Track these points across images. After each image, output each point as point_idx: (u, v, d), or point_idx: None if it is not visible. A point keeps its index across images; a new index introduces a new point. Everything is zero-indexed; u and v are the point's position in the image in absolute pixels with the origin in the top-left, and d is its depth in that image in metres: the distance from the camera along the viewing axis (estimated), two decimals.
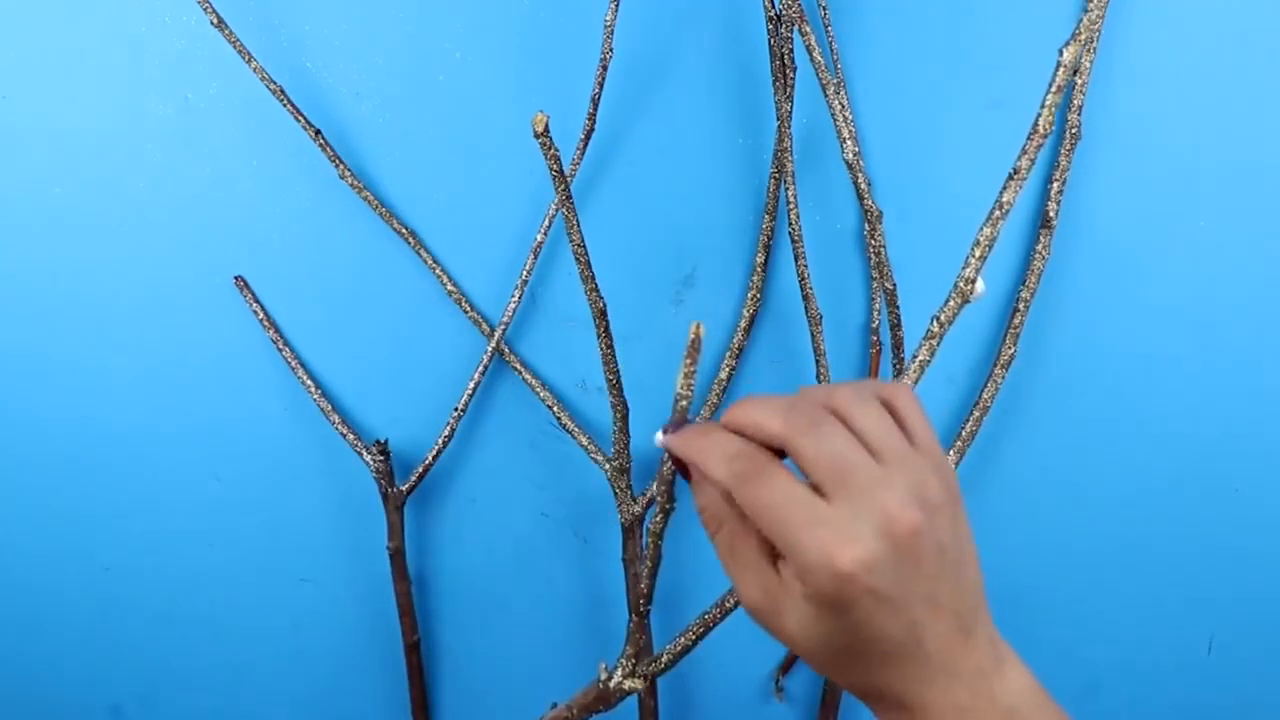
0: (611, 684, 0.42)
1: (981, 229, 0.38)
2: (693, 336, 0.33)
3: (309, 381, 0.68)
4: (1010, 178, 0.37)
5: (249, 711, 0.76)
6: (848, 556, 0.31)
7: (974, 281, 0.38)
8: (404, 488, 0.69)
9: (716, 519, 0.36)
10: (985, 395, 0.68)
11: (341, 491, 0.72)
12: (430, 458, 0.68)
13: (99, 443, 0.70)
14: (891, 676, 0.34)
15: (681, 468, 0.38)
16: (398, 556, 0.70)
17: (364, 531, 0.72)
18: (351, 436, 0.68)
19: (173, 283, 0.68)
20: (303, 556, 0.73)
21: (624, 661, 0.43)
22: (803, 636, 0.33)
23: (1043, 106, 0.37)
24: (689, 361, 0.35)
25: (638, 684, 0.42)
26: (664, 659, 0.42)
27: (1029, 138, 0.38)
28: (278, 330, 0.68)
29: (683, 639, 0.42)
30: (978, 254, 0.37)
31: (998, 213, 0.36)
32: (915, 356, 0.41)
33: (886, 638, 0.32)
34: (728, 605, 0.41)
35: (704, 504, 0.36)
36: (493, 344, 0.67)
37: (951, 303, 0.35)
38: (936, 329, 0.36)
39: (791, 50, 0.62)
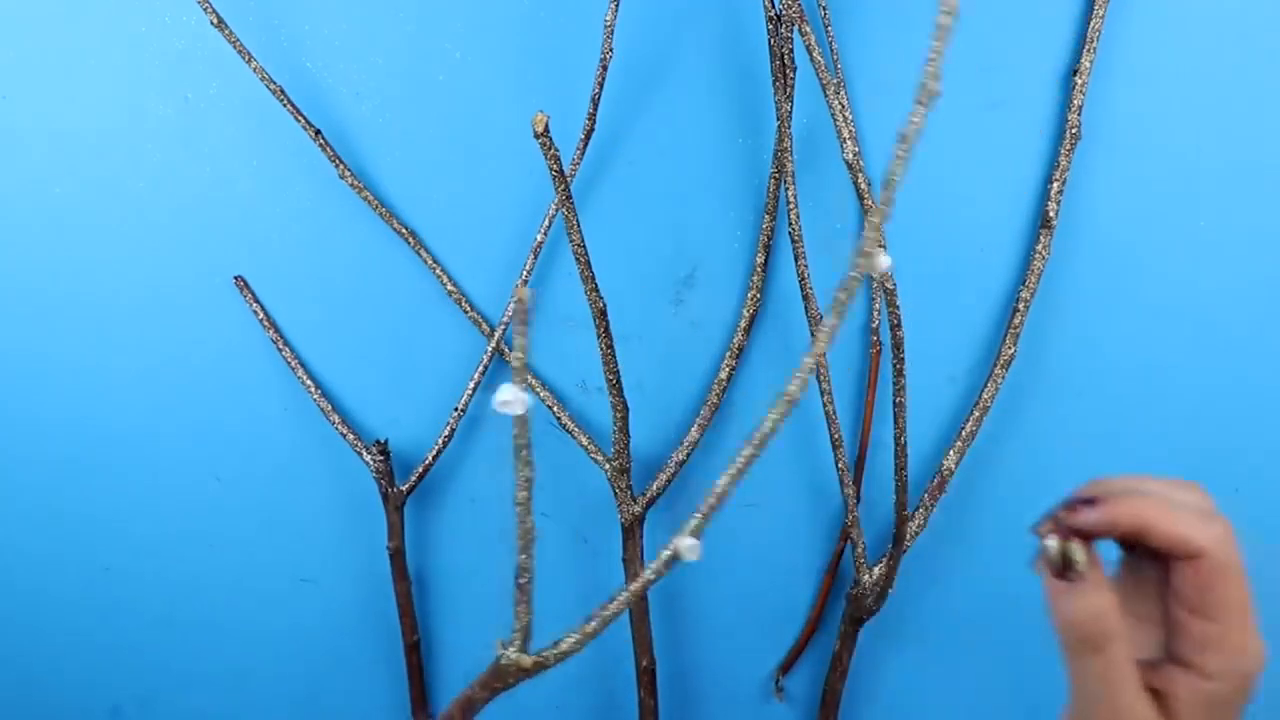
0: (502, 660, 0.41)
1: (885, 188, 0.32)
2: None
3: (309, 381, 0.68)
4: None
5: (249, 711, 0.76)
6: (1261, 660, 0.32)
7: (872, 256, 0.33)
8: (404, 488, 0.69)
9: (1105, 633, 0.33)
10: (985, 395, 0.68)
11: (341, 491, 0.72)
12: (430, 458, 0.68)
13: (99, 443, 0.70)
14: None
15: (1066, 563, 0.33)
16: (398, 556, 0.70)
17: (364, 531, 0.72)
18: (351, 436, 0.68)
19: (173, 282, 0.68)
20: (303, 556, 0.73)
21: (513, 637, 0.42)
22: None
23: None
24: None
25: (528, 662, 0.40)
26: (566, 643, 0.41)
27: None
28: (277, 330, 0.68)
29: (591, 625, 0.40)
30: (875, 220, 0.31)
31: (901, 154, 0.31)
32: (822, 322, 0.37)
33: None
34: (622, 599, 0.39)
35: (1095, 610, 0.32)
36: (492, 344, 0.67)
37: (852, 275, 0.32)
38: (842, 297, 0.32)
39: (791, 50, 0.62)
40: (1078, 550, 0.33)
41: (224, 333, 0.69)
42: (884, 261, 0.31)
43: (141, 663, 0.75)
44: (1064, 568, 0.33)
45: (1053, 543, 0.33)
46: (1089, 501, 0.34)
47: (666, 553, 0.34)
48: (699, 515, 0.33)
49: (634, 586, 0.36)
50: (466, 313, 0.67)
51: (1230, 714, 0.33)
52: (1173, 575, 0.33)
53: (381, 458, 0.67)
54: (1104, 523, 0.33)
